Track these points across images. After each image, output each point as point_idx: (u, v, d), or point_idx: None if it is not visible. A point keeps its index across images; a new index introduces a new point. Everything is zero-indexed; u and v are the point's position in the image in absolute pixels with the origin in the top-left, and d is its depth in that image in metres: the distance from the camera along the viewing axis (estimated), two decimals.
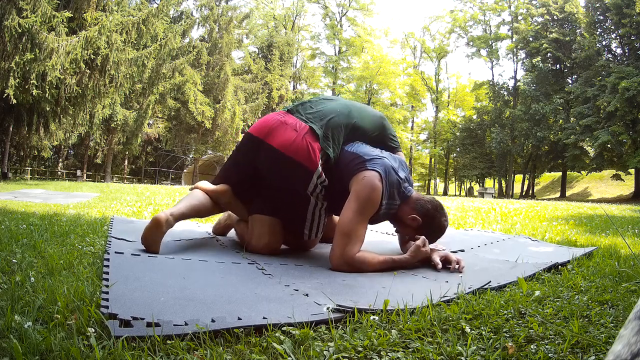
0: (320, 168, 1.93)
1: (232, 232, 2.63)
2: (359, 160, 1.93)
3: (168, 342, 0.90)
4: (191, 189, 2.16)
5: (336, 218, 2.18)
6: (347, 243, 1.77)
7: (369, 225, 1.95)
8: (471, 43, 37.01)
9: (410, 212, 1.96)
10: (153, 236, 1.81)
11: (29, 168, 23.17)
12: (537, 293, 1.33)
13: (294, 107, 2.13)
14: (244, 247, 2.05)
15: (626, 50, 27.47)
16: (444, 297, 1.31)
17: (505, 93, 35.27)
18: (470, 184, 39.64)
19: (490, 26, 36.79)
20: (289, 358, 0.86)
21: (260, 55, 32.52)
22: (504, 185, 35.17)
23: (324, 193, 2.00)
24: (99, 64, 13.57)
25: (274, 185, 2.03)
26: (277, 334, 0.96)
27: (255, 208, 2.08)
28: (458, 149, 37.36)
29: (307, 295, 1.31)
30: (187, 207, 1.98)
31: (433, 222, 1.96)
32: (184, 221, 3.49)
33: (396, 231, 2.20)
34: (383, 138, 2.24)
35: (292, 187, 1.98)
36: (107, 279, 1.29)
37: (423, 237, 1.94)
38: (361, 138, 2.15)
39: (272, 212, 2.04)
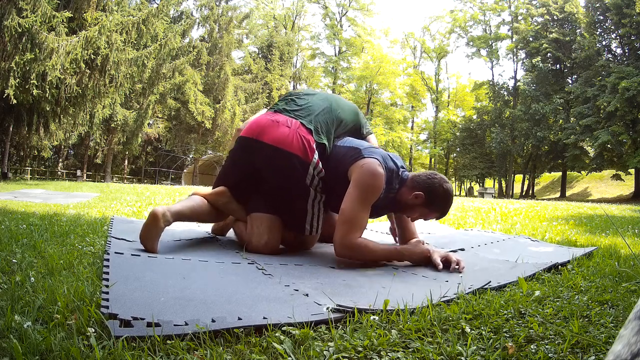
0: (315, 159, 1.99)
1: (231, 232, 2.63)
2: (354, 150, 1.99)
3: (168, 342, 0.90)
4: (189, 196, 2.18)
5: (334, 216, 2.21)
6: (348, 229, 1.81)
7: (369, 226, 1.98)
8: (471, 43, 37.03)
9: (410, 192, 1.97)
10: (151, 232, 1.80)
11: (29, 168, 23.17)
12: (537, 293, 1.33)
13: (280, 107, 2.18)
14: (244, 247, 2.05)
15: (626, 50, 27.48)
16: (444, 297, 1.31)
17: (505, 93, 35.28)
18: (470, 184, 39.66)
19: (490, 26, 36.82)
20: (289, 358, 0.86)
21: (260, 55, 32.53)
22: (504, 185, 35.17)
23: (321, 186, 2.04)
24: (99, 64, 13.57)
25: (273, 182, 2.04)
26: (277, 334, 0.96)
27: (253, 207, 2.08)
28: (458, 149, 37.37)
29: (307, 295, 1.31)
30: (185, 207, 1.98)
31: (435, 189, 1.94)
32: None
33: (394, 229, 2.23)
34: (360, 127, 2.37)
35: (291, 181, 2.01)
36: (107, 279, 1.29)
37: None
38: (344, 129, 2.24)
39: (271, 210, 2.05)
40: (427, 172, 2.02)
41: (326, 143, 2.07)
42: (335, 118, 2.18)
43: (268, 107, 2.29)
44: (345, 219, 1.83)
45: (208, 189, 2.19)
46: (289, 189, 2.03)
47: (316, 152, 2.01)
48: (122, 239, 2.06)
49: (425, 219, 2.06)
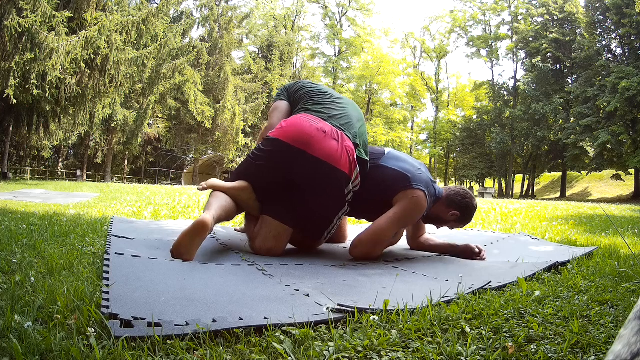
0: (355, 174, 1.99)
1: (232, 230, 2.63)
2: (404, 178, 2.04)
3: (168, 342, 0.89)
4: (200, 187, 2.01)
5: (344, 220, 2.29)
6: (376, 243, 2.01)
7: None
8: (471, 43, 37.01)
9: (447, 210, 2.19)
10: (194, 241, 1.67)
11: (29, 168, 23.16)
12: (537, 293, 1.33)
13: (319, 109, 2.08)
14: (245, 244, 2.04)
15: (626, 50, 27.46)
16: (444, 297, 1.31)
17: (505, 93, 35.27)
18: (470, 184, 39.64)
19: (490, 26, 36.80)
20: (289, 358, 0.86)
21: (260, 55, 32.51)
22: (504, 185, 35.16)
23: (351, 199, 2.05)
24: (99, 64, 13.57)
25: (310, 193, 1.97)
26: (277, 334, 0.96)
27: (269, 209, 2.00)
28: (458, 149, 37.36)
29: (307, 295, 1.31)
30: (222, 210, 1.87)
31: (469, 208, 2.21)
32: (185, 219, 3.50)
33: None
34: None
35: (331, 195, 1.98)
36: (107, 279, 1.29)
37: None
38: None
39: (287, 218, 1.99)
40: (457, 189, 2.22)
41: (367, 159, 2.06)
42: (365, 130, 2.18)
43: (302, 106, 2.12)
44: (378, 232, 1.99)
45: (223, 183, 2.03)
46: (326, 201, 2.00)
47: (357, 166, 2.00)
48: (122, 237, 2.06)
49: (451, 229, 2.36)
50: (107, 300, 1.08)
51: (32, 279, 1.27)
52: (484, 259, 2.14)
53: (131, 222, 2.96)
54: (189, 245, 1.67)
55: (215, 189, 1.99)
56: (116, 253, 1.68)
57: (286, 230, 1.99)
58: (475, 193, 28.76)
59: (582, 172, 30.27)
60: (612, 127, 24.48)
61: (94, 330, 0.90)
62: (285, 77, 32.22)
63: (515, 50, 34.44)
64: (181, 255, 1.66)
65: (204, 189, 2.01)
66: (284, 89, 2.34)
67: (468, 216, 2.23)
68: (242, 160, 2.14)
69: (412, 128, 41.19)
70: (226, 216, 1.93)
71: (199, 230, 1.67)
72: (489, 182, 41.26)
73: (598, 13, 28.20)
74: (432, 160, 40.43)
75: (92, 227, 2.55)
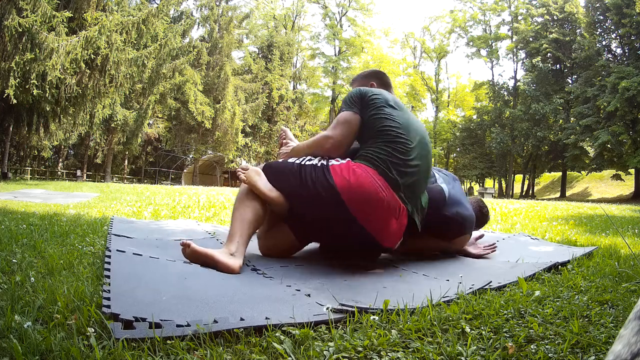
0: (397, 244, 1.89)
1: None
2: (462, 227, 2.19)
3: (168, 342, 0.89)
4: (241, 178, 1.83)
5: None
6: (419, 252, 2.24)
7: None
8: (471, 43, 37.01)
9: None
10: (207, 265, 1.60)
11: (29, 168, 23.17)
12: (537, 293, 1.33)
13: (390, 171, 1.77)
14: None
15: (626, 50, 27.46)
16: (444, 297, 1.31)
17: (505, 93, 35.27)
18: (470, 184, 39.65)
19: (490, 26, 36.80)
20: (289, 358, 0.86)
21: (260, 55, 32.53)
22: (504, 185, 35.16)
23: None
24: (99, 64, 13.58)
25: (342, 245, 1.93)
26: (277, 334, 0.96)
27: (293, 224, 1.91)
28: (458, 149, 37.36)
29: (308, 295, 1.31)
30: (251, 235, 1.77)
31: (484, 220, 2.52)
32: (185, 219, 3.50)
33: None
34: None
35: (364, 255, 1.97)
36: (108, 276, 1.29)
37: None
38: None
39: (307, 240, 2.01)
40: (481, 207, 2.44)
41: (419, 226, 1.93)
42: (426, 190, 2.03)
43: (375, 154, 1.79)
44: (426, 249, 2.22)
45: (264, 186, 1.81)
46: (357, 254, 1.98)
47: (402, 237, 1.89)
48: (122, 236, 2.06)
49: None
50: (108, 299, 1.07)
51: (32, 279, 1.27)
52: (489, 251, 2.29)
53: (131, 222, 2.96)
54: (200, 264, 1.61)
55: (253, 189, 1.79)
56: (117, 250, 1.67)
57: (298, 246, 2.01)
58: (475, 193, 28.80)
59: (582, 172, 30.27)
60: (612, 127, 24.49)
61: (94, 330, 0.90)
62: (285, 77, 32.25)
63: (515, 50, 34.44)
64: (188, 258, 1.63)
65: (243, 182, 1.82)
66: (359, 97, 1.92)
67: (483, 224, 2.57)
68: (287, 164, 1.88)
69: None
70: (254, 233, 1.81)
71: (223, 270, 1.57)
72: (489, 182, 41.26)
73: (598, 13, 28.19)
74: (432, 160, 40.45)
75: (92, 227, 2.55)
